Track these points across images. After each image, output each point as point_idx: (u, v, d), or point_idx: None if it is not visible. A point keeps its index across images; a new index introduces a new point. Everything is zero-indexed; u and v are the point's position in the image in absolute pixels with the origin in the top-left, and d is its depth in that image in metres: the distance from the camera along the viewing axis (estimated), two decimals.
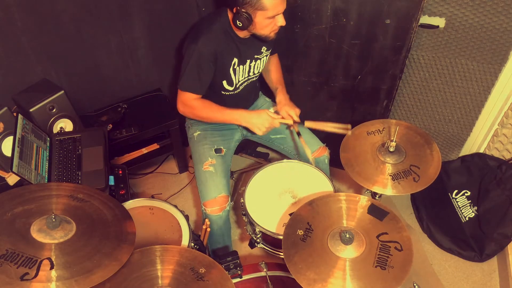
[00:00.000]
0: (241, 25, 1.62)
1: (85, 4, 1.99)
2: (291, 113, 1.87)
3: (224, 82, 1.83)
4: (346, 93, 2.21)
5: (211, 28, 1.71)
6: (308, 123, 1.87)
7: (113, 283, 1.14)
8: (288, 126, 1.94)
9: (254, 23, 1.63)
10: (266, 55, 1.88)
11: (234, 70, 1.80)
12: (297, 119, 1.86)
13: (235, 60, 1.78)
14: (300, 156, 1.98)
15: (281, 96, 1.95)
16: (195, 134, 1.98)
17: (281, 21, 1.65)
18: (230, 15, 1.70)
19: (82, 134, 1.95)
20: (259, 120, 1.77)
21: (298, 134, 1.87)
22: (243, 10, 1.59)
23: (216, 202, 1.78)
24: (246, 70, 1.85)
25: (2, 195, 1.22)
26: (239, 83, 1.87)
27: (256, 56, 1.84)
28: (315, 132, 2.04)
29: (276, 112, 1.90)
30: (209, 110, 1.81)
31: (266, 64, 2.03)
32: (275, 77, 2.03)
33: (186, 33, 2.20)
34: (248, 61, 1.83)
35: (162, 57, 2.36)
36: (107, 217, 1.25)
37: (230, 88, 1.86)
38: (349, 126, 1.72)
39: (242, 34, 1.73)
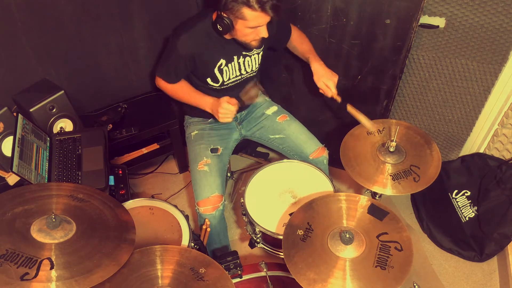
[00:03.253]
0: (221, 29, 1.63)
1: (85, 4, 1.99)
2: (330, 84, 1.78)
3: (209, 79, 1.84)
4: (346, 93, 2.19)
5: (193, 29, 1.71)
6: (350, 108, 1.75)
7: (113, 283, 1.14)
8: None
9: (235, 29, 1.63)
10: (258, 53, 1.87)
11: (221, 70, 1.80)
12: (334, 89, 1.77)
13: (222, 61, 1.78)
14: (299, 157, 1.98)
15: (316, 65, 1.82)
16: (193, 133, 1.98)
17: (263, 32, 1.64)
18: (214, 17, 1.69)
19: (82, 134, 1.95)
20: (216, 108, 1.73)
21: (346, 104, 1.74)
22: (224, 15, 1.60)
23: (209, 202, 1.78)
24: (236, 68, 1.84)
25: (2, 195, 1.22)
26: (229, 80, 1.87)
27: (244, 53, 1.82)
28: (315, 132, 2.04)
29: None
30: (180, 92, 1.88)
31: (288, 43, 1.99)
32: (302, 48, 1.94)
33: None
34: (235, 57, 1.81)
35: None
36: (107, 217, 1.25)
37: (216, 84, 1.86)
38: (378, 127, 1.67)
39: (227, 36, 1.73)
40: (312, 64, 1.84)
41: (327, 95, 1.80)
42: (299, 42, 1.97)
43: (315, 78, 1.82)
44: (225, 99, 1.71)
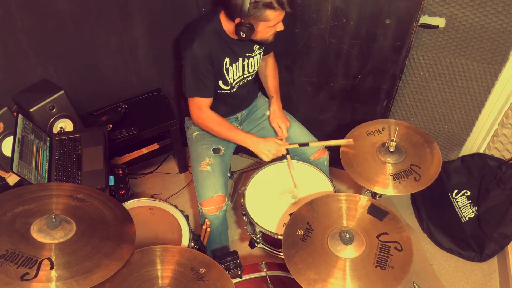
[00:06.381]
0: (244, 35, 1.64)
1: (85, 4, 1.99)
2: (282, 126, 1.93)
3: (220, 82, 1.84)
4: (346, 93, 2.21)
5: (204, 31, 1.72)
6: (312, 144, 1.90)
7: (113, 283, 1.14)
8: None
9: (256, 32, 1.65)
10: (260, 53, 1.89)
11: (227, 69, 1.81)
12: (285, 133, 1.93)
13: (227, 59, 1.79)
14: (300, 158, 1.98)
15: (275, 107, 2.00)
16: (194, 134, 1.99)
17: (280, 27, 1.68)
18: (222, 17, 1.71)
19: (82, 134, 1.95)
20: (266, 147, 1.80)
21: (287, 150, 1.88)
22: (246, 22, 1.61)
23: (213, 202, 1.78)
24: (239, 68, 1.85)
25: (2, 195, 1.22)
26: (234, 82, 1.87)
27: (248, 55, 1.84)
28: (315, 133, 2.04)
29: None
30: (221, 127, 1.84)
31: (263, 67, 2.03)
32: (271, 84, 2.04)
33: (180, 33, 2.20)
34: (241, 59, 1.83)
35: (162, 57, 2.36)
36: (107, 217, 1.25)
37: (226, 88, 1.86)
38: (351, 140, 1.70)
39: (235, 36, 1.74)
40: (272, 104, 2.01)
41: (278, 134, 1.96)
42: (272, 73, 2.05)
43: (271, 117, 2.00)
44: (274, 139, 1.84)
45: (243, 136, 1.84)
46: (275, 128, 1.97)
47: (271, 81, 2.04)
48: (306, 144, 1.90)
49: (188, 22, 2.16)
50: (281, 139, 1.90)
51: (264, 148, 1.80)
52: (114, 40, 2.18)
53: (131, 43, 2.23)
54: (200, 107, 1.81)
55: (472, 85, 2.07)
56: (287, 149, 1.88)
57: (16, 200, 1.21)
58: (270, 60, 2.04)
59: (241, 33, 1.63)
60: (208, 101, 1.81)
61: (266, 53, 1.98)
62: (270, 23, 1.62)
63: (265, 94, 2.20)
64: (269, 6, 1.55)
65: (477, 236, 2.15)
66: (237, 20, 1.62)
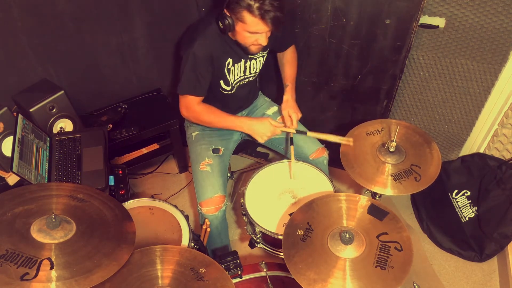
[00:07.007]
0: (221, 27, 1.63)
1: (85, 4, 1.99)
2: (293, 116, 1.87)
3: (221, 82, 1.84)
4: (346, 93, 2.21)
5: (206, 31, 1.71)
6: (310, 134, 1.88)
7: (113, 283, 1.14)
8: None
9: (235, 31, 1.64)
10: (263, 56, 1.88)
11: (229, 70, 1.81)
12: (295, 124, 1.88)
13: (229, 60, 1.79)
14: (299, 157, 1.98)
15: (289, 96, 1.94)
16: (193, 134, 1.99)
17: (261, 40, 1.64)
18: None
19: (82, 134, 1.95)
20: (261, 128, 1.79)
21: (291, 140, 1.88)
22: (227, 14, 1.60)
23: (212, 202, 1.78)
24: (241, 69, 1.85)
25: (2, 195, 1.22)
26: (234, 82, 1.87)
27: (250, 56, 1.83)
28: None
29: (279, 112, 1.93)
30: (212, 115, 1.83)
31: (280, 55, 2.02)
32: (288, 73, 2.01)
33: (182, 34, 2.20)
34: (243, 60, 1.82)
35: (162, 57, 2.36)
36: (107, 217, 1.25)
37: (228, 88, 1.86)
38: (351, 139, 1.70)
39: (234, 36, 1.73)
40: (286, 93, 1.95)
41: (290, 131, 1.88)
42: (290, 62, 2.01)
43: (283, 106, 1.93)
44: (269, 119, 1.79)
45: (236, 121, 1.83)
46: (284, 116, 1.91)
47: (288, 70, 2.00)
48: (304, 133, 1.88)
49: (188, 22, 2.17)
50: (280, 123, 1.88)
51: (259, 130, 1.78)
52: (114, 40, 2.18)
53: (131, 43, 2.23)
54: (191, 105, 1.80)
55: (472, 85, 2.07)
56: (291, 140, 1.87)
57: (16, 200, 1.21)
58: (289, 51, 2.01)
59: (220, 23, 1.62)
60: (199, 99, 1.80)
61: (283, 49, 1.97)
62: (247, 27, 1.58)
63: (266, 93, 2.21)
64: (248, 8, 1.53)
65: (477, 236, 2.15)
66: (224, 11, 1.61)
